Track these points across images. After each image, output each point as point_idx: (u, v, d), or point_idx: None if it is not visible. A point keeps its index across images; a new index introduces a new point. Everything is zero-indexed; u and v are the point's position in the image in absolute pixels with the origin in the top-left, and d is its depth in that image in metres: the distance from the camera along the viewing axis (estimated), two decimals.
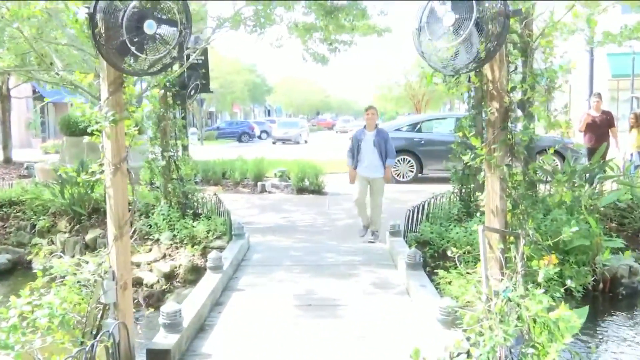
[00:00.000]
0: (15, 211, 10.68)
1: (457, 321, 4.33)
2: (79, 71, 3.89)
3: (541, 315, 3.51)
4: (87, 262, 4.06)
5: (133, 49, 3.39)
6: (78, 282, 4.05)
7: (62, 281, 3.97)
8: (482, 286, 3.85)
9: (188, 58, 9.42)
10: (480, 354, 3.53)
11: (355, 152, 8.88)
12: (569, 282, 3.90)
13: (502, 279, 3.89)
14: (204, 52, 10.58)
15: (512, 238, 4.03)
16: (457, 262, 4.41)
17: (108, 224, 3.96)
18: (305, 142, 43.39)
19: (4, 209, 10.76)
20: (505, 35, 3.50)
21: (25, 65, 12.69)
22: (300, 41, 12.72)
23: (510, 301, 3.69)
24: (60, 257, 4.06)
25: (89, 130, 3.74)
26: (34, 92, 32.38)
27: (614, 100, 27.13)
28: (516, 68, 3.99)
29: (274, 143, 42.02)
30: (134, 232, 4.08)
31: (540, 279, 3.77)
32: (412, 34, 3.74)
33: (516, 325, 3.58)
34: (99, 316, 4.05)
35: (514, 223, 4.04)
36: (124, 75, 3.79)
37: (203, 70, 10.40)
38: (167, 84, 8.66)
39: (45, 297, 3.84)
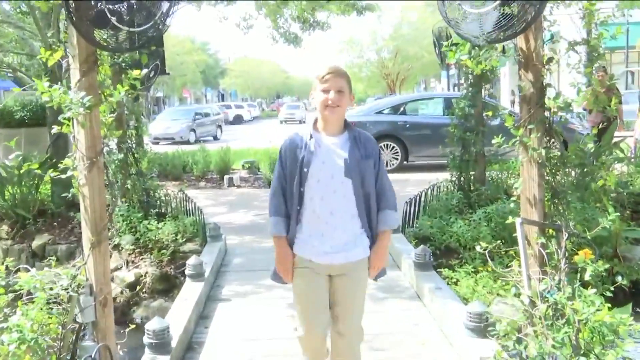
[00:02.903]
0: None
1: (489, 328, 4.22)
2: (44, 49, 3.63)
3: (595, 318, 3.41)
4: (56, 275, 3.82)
5: (114, 19, 3.16)
6: (48, 299, 3.81)
7: (30, 299, 3.72)
8: (524, 287, 3.74)
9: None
10: None
11: (292, 195, 3.53)
12: (619, 279, 3.82)
13: (543, 279, 3.79)
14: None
15: (551, 231, 3.93)
16: (488, 258, 4.28)
17: (83, 229, 3.73)
18: (304, 122, 46.28)
19: None
20: None
21: None
22: (270, 20, 12.46)
23: (557, 304, 3.59)
24: (27, 269, 3.82)
25: (60, 118, 3.50)
26: None
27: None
28: (552, 37, 3.87)
29: (281, 123, 50.26)
30: (111, 235, 3.88)
31: (587, 276, 3.68)
32: None
33: (565, 332, 3.48)
34: (74, 338, 3.82)
35: (553, 214, 3.94)
36: (98, 52, 3.56)
37: (162, 49, 10.10)
38: (123, 64, 8.36)
39: (11, 317, 3.60)
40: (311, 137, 3.44)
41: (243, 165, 15.21)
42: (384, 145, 15.20)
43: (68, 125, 3.62)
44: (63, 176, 3.66)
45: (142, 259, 7.89)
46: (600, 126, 11.44)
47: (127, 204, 8.60)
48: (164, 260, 7.63)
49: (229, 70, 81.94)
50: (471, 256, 6.88)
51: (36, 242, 9.06)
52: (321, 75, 3.39)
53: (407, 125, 15.36)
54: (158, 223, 8.18)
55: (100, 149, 3.64)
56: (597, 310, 3.46)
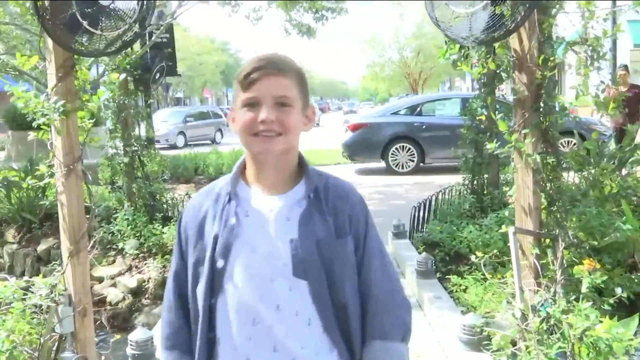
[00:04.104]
0: None
1: (484, 342, 4.12)
2: (20, 54, 3.61)
3: (589, 333, 3.30)
4: (35, 284, 3.80)
5: (85, 23, 3.12)
6: (27, 308, 3.79)
7: (7, 308, 3.70)
8: (516, 300, 3.64)
9: (151, 36, 9.13)
10: None
11: (196, 311, 1.89)
12: (619, 291, 3.70)
13: (538, 290, 3.68)
14: (169, 29, 10.32)
15: (548, 241, 3.82)
16: (482, 268, 4.19)
17: (62, 238, 3.70)
18: (318, 125, 45.96)
19: None
20: None
21: None
22: (283, 11, 12.43)
23: (550, 317, 3.48)
24: (5, 278, 3.79)
25: (34, 124, 3.47)
26: None
27: (637, 73, 27.12)
28: (549, 37, 3.76)
29: None
30: (94, 243, 3.83)
31: (584, 289, 3.57)
32: None
33: (559, 347, 3.38)
34: (54, 349, 3.80)
35: (550, 222, 3.83)
36: (76, 57, 3.52)
37: (169, 50, 10.14)
38: (128, 66, 8.36)
39: None
40: (230, 198, 1.87)
41: None
42: (400, 147, 15.08)
43: (46, 131, 3.59)
44: (40, 183, 3.63)
45: (145, 264, 7.89)
46: (622, 127, 11.24)
47: (132, 208, 8.61)
48: (168, 265, 7.60)
49: None
50: (482, 262, 6.76)
51: (42, 247, 9.10)
52: (242, 74, 1.81)
53: (424, 127, 15.22)
54: (163, 227, 8.17)
55: (79, 156, 3.60)
56: (593, 324, 3.36)
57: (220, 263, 1.80)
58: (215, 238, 1.83)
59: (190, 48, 47.06)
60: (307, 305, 1.80)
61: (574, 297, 3.65)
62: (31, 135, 3.61)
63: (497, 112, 8.33)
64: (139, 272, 7.75)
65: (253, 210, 1.85)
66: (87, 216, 3.86)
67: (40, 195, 9.68)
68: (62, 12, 3.19)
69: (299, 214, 1.83)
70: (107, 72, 8.29)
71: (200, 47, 51.75)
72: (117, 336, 4.40)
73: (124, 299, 7.44)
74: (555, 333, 3.51)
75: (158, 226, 8.16)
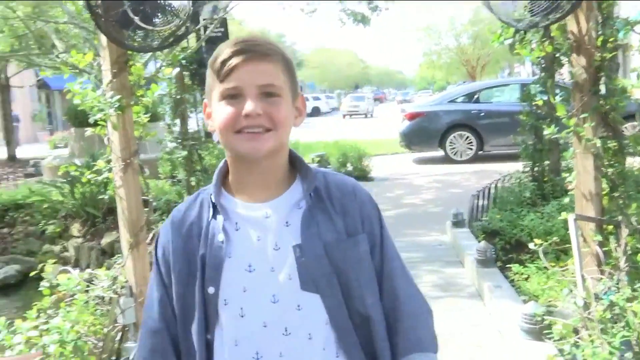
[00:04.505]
0: (22, 215, 10.71)
1: (546, 330, 4.03)
2: (76, 51, 3.70)
3: None
4: (97, 277, 3.90)
5: (136, 19, 3.17)
6: (91, 299, 3.89)
7: (71, 300, 3.81)
8: (577, 288, 3.55)
9: (205, 30, 9.22)
10: None
11: (187, 348, 1.59)
12: None
13: (601, 278, 3.59)
14: (223, 22, 10.36)
15: (610, 227, 3.72)
16: (541, 256, 4.10)
17: (121, 231, 3.79)
18: (371, 115, 46.06)
19: (10, 214, 10.81)
20: None
21: (24, 49, 12.69)
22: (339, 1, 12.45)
23: (614, 305, 3.39)
24: (68, 271, 3.90)
25: (90, 120, 3.55)
26: (38, 79, 32.80)
27: None
28: (608, 17, 3.64)
29: (344, 117, 46.10)
30: (153, 237, 3.90)
31: None
32: None
33: (623, 336, 3.28)
34: (117, 339, 3.89)
35: (612, 209, 3.72)
36: (130, 52, 3.59)
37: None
38: (184, 61, 8.47)
39: (53, 319, 3.69)
40: (215, 211, 1.58)
41: (313, 159, 15.23)
42: (458, 135, 14.90)
43: (103, 127, 3.67)
44: (99, 178, 3.72)
45: None
46: None
47: None
48: None
49: (306, 62, 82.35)
50: (544, 251, 6.64)
51: (105, 240, 9.35)
52: (218, 60, 1.51)
53: (482, 114, 14.98)
54: None
55: (135, 150, 3.67)
56: None
57: (211, 290, 1.52)
58: (203, 260, 1.54)
59: None
60: (321, 325, 1.53)
61: (638, 284, 3.55)
62: (89, 131, 3.69)
63: (556, 97, 8.15)
64: None
65: (243, 221, 1.56)
66: (146, 209, 3.94)
67: (102, 190, 9.94)
68: (115, 9, 3.25)
69: (300, 216, 1.55)
70: (162, 67, 8.44)
71: None
72: None
73: None
74: (619, 322, 3.41)
75: None
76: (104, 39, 3.48)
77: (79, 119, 14.06)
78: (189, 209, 1.63)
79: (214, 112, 1.54)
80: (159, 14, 3.27)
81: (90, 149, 11.66)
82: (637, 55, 3.96)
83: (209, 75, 1.55)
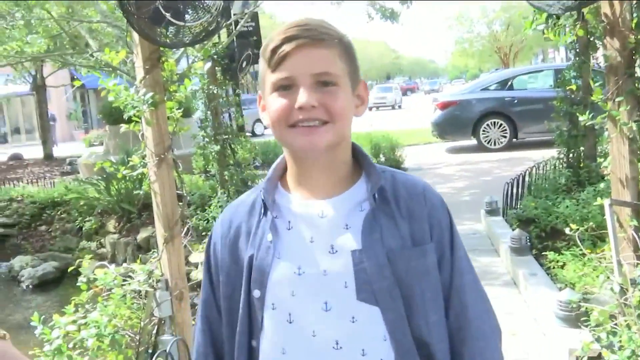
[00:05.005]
0: (59, 213, 10.93)
1: (582, 317, 4.01)
2: (109, 49, 3.76)
3: None
4: (135, 271, 3.96)
5: (168, 15, 3.21)
6: (127, 294, 3.97)
7: (108, 294, 3.88)
8: (614, 274, 3.52)
9: (236, 25, 9.28)
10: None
11: (230, 352, 1.51)
12: None
13: (638, 264, 3.55)
14: (254, 17, 10.43)
15: None
16: (578, 242, 4.07)
17: (156, 225, 3.84)
18: (399, 107, 44.63)
19: (47, 211, 11.03)
20: None
21: (58, 49, 12.90)
22: None
23: None
24: (105, 266, 3.97)
25: (124, 116, 3.61)
26: (73, 78, 33.27)
27: None
28: None
29: (370, 109, 43.56)
30: (187, 230, 3.96)
31: None
32: None
33: None
34: (154, 332, 3.96)
35: None
36: (162, 49, 3.63)
37: (254, 39, 10.26)
38: (215, 56, 8.54)
39: (91, 313, 3.77)
40: (266, 209, 1.48)
41: None
42: (491, 123, 14.77)
43: (137, 123, 3.72)
44: (133, 173, 3.78)
45: None
46: None
47: (225, 195, 8.83)
48: None
49: None
50: (580, 237, 6.58)
51: (141, 235, 9.49)
52: (268, 48, 1.40)
53: (515, 101, 14.82)
54: None
55: (169, 145, 3.72)
56: None
57: (256, 293, 1.42)
58: (250, 260, 1.44)
59: (269, 34, 47.45)
60: (378, 342, 1.37)
61: None
62: (123, 127, 3.76)
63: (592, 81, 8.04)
64: None
65: (297, 220, 1.44)
66: (180, 203, 3.99)
67: (137, 186, 10.08)
68: (146, 6, 3.30)
69: (362, 219, 1.40)
70: (194, 62, 8.52)
71: None
72: None
73: None
74: None
75: None
76: (136, 36, 3.53)
77: (113, 116, 14.26)
78: (240, 206, 1.55)
79: (267, 105, 1.43)
80: (190, 10, 3.31)
81: (125, 146, 11.83)
82: None
83: (261, 65, 1.44)
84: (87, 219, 10.27)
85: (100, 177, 10.46)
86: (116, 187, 10.05)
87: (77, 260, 4.37)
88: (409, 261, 1.39)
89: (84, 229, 10.25)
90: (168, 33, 3.41)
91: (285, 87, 1.37)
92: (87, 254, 9.70)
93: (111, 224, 10.05)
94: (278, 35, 1.38)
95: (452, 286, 1.45)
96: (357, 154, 1.49)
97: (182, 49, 5.68)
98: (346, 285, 1.37)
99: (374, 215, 1.40)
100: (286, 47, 1.35)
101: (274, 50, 1.37)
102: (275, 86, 1.39)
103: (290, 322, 1.39)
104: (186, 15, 3.35)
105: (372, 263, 1.36)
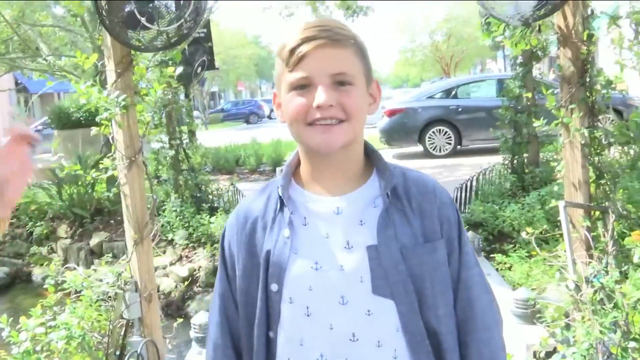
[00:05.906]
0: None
1: (537, 315, 4.16)
2: (80, 53, 3.74)
3: None
4: (102, 273, 3.94)
5: (143, 20, 3.23)
6: (96, 296, 3.94)
7: (77, 297, 3.86)
8: (568, 272, 3.67)
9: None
10: (574, 353, 3.36)
11: (249, 346, 1.54)
12: None
13: (589, 262, 3.71)
14: (207, 24, 10.40)
15: (597, 213, 3.84)
16: (533, 244, 4.22)
17: (125, 227, 3.83)
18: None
19: None
20: None
21: (8, 53, 12.62)
22: (311, 9, 12.55)
23: (604, 288, 3.51)
24: (74, 268, 3.94)
25: (97, 119, 3.60)
26: (17, 83, 32.44)
27: None
28: (593, 12, 3.76)
29: None
30: (155, 233, 3.96)
31: (635, 259, 3.58)
32: None
33: (613, 317, 3.40)
34: (122, 334, 3.94)
35: (599, 196, 3.85)
36: (133, 52, 3.64)
37: (209, 44, 10.25)
38: (170, 61, 8.50)
39: (60, 315, 3.74)
40: (283, 204, 1.50)
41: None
42: (436, 130, 15.02)
43: (107, 126, 3.71)
44: (104, 176, 3.77)
45: (195, 253, 8.06)
46: None
47: (179, 200, 8.79)
48: (216, 254, 7.76)
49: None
50: (525, 240, 6.79)
51: (94, 240, 9.34)
52: (287, 48, 1.43)
53: (460, 109, 15.12)
54: (210, 217, 8.33)
55: (139, 148, 3.72)
56: None
57: (274, 287, 1.45)
58: (267, 255, 1.46)
59: (224, 42, 47.15)
60: (392, 333, 1.42)
61: (625, 267, 3.67)
62: (93, 130, 3.74)
63: (535, 91, 8.31)
64: (190, 262, 7.93)
65: (312, 216, 1.47)
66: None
67: (90, 191, 9.93)
68: (120, 10, 3.31)
69: (377, 216, 1.44)
70: (149, 68, 8.43)
71: (233, 41, 51.87)
72: (180, 320, 4.53)
73: (176, 287, 7.62)
74: (609, 303, 3.53)
75: (205, 216, 8.34)
76: (108, 39, 3.53)
77: (62, 120, 14.03)
78: (254, 201, 1.57)
79: (284, 104, 1.45)
80: (163, 14, 3.32)
81: (75, 150, 11.65)
82: (604, 50, 4.10)
83: (278, 65, 1.47)
84: (37, 224, 10.05)
85: (51, 182, 10.27)
86: (68, 191, 9.87)
87: (40, 263, 4.33)
88: (421, 257, 1.44)
89: (34, 234, 10.02)
90: (141, 37, 3.42)
91: (303, 87, 1.41)
92: (37, 259, 9.55)
93: (62, 229, 9.88)
94: (297, 35, 1.41)
95: (459, 280, 1.51)
96: (368, 151, 1.53)
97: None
98: (362, 279, 1.41)
99: (387, 212, 1.44)
100: (304, 48, 1.38)
101: (292, 51, 1.40)
102: (293, 85, 1.42)
103: (308, 315, 1.43)
104: (159, 19, 3.37)
105: (387, 258, 1.41)
